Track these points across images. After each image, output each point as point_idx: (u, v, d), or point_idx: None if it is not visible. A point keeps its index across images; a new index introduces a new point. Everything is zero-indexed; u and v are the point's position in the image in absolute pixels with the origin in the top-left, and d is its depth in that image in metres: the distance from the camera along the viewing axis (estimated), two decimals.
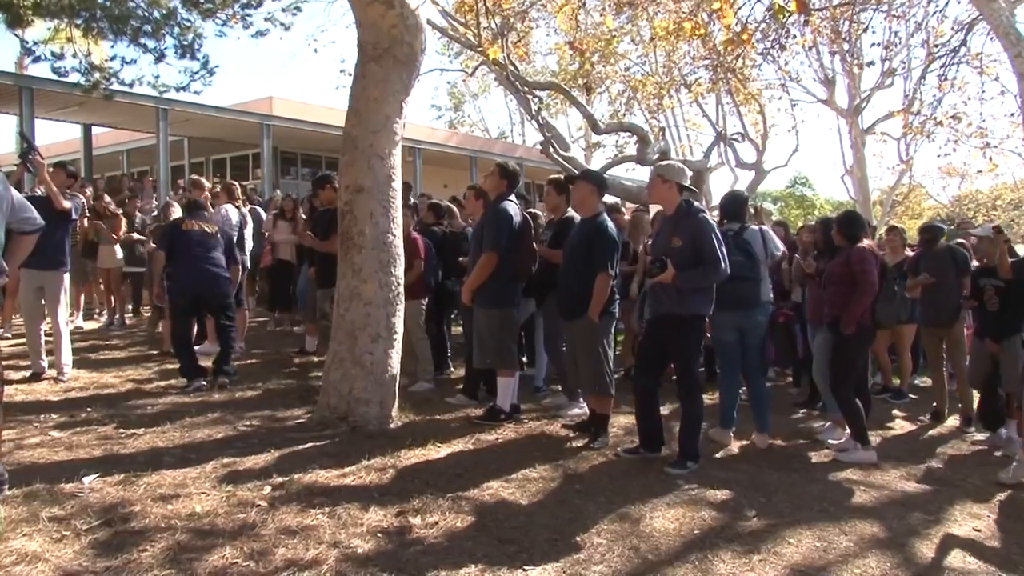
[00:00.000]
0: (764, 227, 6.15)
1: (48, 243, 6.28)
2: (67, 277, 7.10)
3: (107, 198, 10.67)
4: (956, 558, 3.93)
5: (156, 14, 12.01)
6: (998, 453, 5.93)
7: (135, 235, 10.36)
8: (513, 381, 6.15)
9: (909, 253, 8.31)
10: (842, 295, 5.71)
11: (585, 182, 5.77)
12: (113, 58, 12.71)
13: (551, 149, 14.86)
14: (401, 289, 5.90)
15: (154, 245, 9.03)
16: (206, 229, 7.11)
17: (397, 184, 5.90)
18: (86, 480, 4.25)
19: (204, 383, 6.86)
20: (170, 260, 7.11)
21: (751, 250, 5.88)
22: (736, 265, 5.69)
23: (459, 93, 39.63)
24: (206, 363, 7.19)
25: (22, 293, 7.15)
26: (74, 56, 12.34)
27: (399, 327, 5.86)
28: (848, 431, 5.86)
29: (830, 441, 6.02)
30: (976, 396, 6.76)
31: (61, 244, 6.89)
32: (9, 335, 9.04)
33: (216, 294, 7.12)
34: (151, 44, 12.13)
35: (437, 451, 5.19)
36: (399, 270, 5.87)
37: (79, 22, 11.56)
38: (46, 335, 7.16)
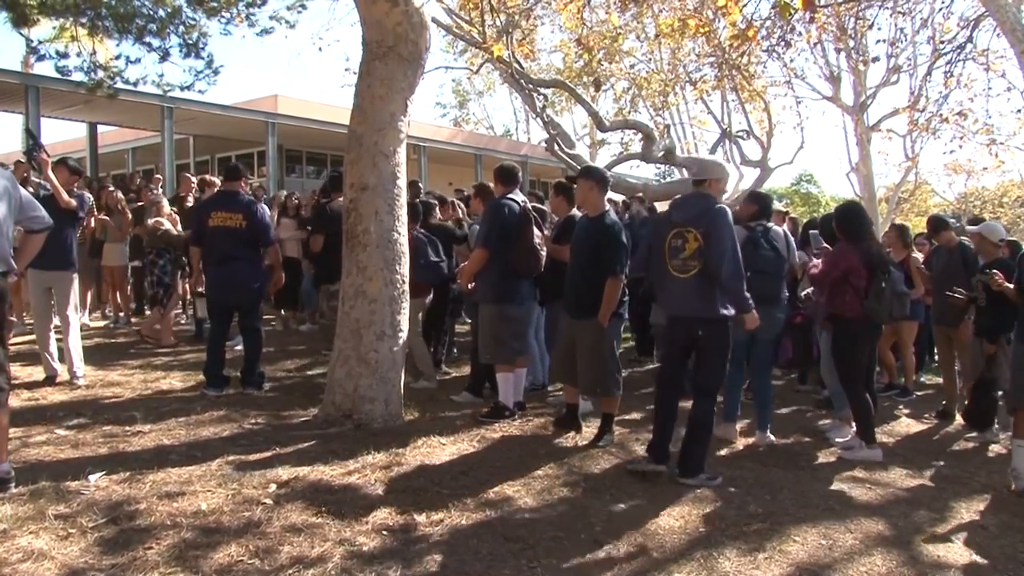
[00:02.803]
0: (785, 230, 6.19)
1: (55, 242, 6.17)
2: (76, 277, 7.00)
3: (119, 194, 10.66)
4: (962, 556, 3.93)
5: (161, 13, 12.05)
6: (1000, 447, 5.87)
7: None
8: (513, 377, 6.15)
9: (917, 254, 8.28)
10: (837, 294, 5.69)
11: (587, 179, 5.62)
12: (118, 57, 12.79)
13: (556, 146, 14.88)
14: (407, 287, 5.90)
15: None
16: (230, 224, 6.60)
17: (402, 182, 5.90)
18: (92, 478, 4.26)
19: (221, 395, 6.56)
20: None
21: (778, 246, 5.92)
22: (764, 260, 5.78)
23: (464, 91, 39.63)
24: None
25: (31, 294, 7.06)
26: (79, 55, 12.41)
27: (404, 325, 5.86)
28: (854, 429, 5.85)
29: (836, 440, 6.00)
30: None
31: (68, 243, 6.69)
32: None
33: (245, 300, 6.78)
34: (156, 43, 12.19)
35: (442, 449, 5.19)
36: (404, 268, 5.87)
37: (84, 21, 11.62)
38: (56, 336, 7.10)
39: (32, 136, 7.40)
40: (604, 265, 5.33)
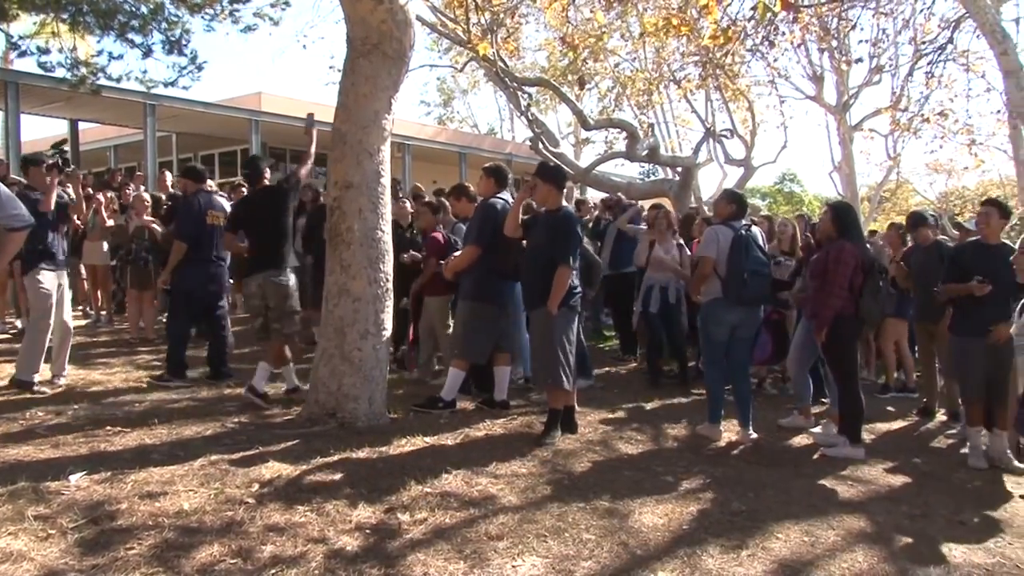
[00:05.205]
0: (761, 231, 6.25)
1: (60, 243, 6.41)
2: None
3: (110, 192, 10.59)
4: (941, 550, 3.96)
5: (143, 9, 11.96)
6: (965, 450, 5.90)
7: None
8: (463, 375, 6.21)
9: None
10: (821, 291, 5.73)
11: (539, 177, 5.77)
12: (100, 53, 12.71)
13: (540, 145, 14.86)
14: (390, 285, 5.89)
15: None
16: (219, 223, 6.95)
17: (386, 180, 5.89)
18: (72, 478, 4.22)
19: (183, 385, 6.77)
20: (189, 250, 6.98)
21: (762, 246, 5.98)
22: (758, 261, 5.87)
23: (448, 89, 39.53)
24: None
25: (47, 296, 6.51)
26: (60, 51, 12.29)
27: (388, 323, 5.85)
28: (836, 427, 5.88)
29: (819, 437, 6.04)
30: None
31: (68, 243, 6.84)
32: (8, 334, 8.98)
33: (223, 294, 7.20)
34: (138, 39, 12.10)
35: (426, 447, 5.18)
36: (388, 266, 5.86)
37: (65, 17, 11.51)
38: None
39: (60, 151, 7.14)
40: (556, 254, 5.42)
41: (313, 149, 6.79)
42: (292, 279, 6.47)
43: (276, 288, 6.31)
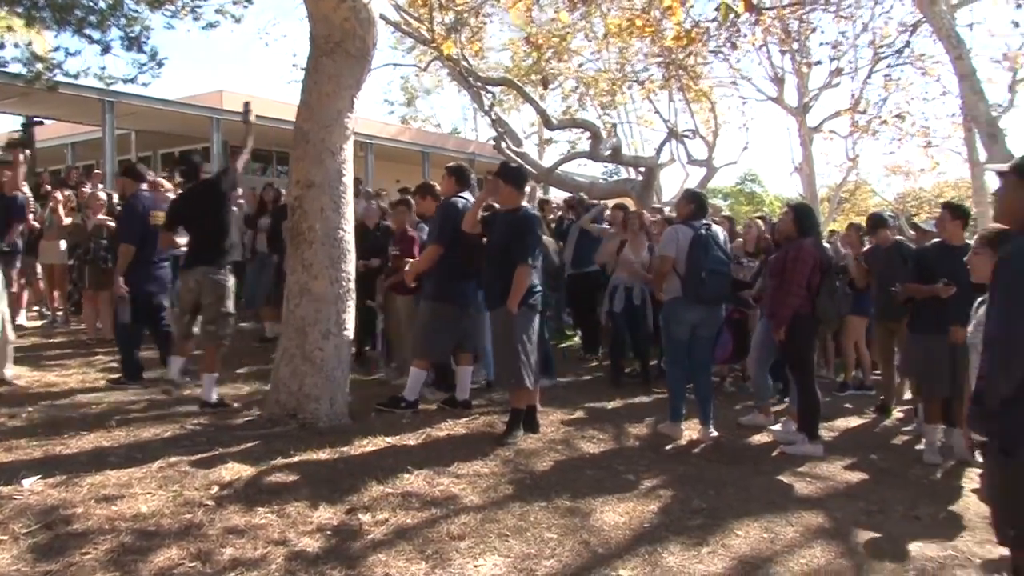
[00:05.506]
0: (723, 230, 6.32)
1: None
2: None
3: (67, 191, 10.38)
4: (897, 545, 4.03)
5: (101, 4, 11.77)
6: (920, 446, 6.03)
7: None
8: (425, 375, 6.24)
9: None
10: (779, 290, 5.80)
11: (500, 179, 5.77)
12: (56, 49, 12.45)
13: (503, 145, 14.88)
14: (352, 285, 5.85)
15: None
16: (159, 223, 6.80)
17: (348, 179, 5.86)
18: (26, 482, 4.13)
19: (138, 387, 6.69)
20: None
21: (723, 246, 6.02)
22: (718, 260, 5.87)
23: (412, 88, 39.30)
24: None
25: None
26: (16, 46, 12.06)
27: (350, 323, 5.82)
28: (796, 424, 5.96)
29: (778, 434, 6.12)
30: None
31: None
32: None
33: (159, 293, 7.08)
34: (96, 35, 11.90)
35: (388, 448, 5.16)
36: (350, 265, 5.83)
37: (20, 11, 11.27)
38: None
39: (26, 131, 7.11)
40: (515, 254, 5.43)
41: (250, 141, 6.55)
42: (231, 280, 6.31)
43: (214, 286, 6.13)
